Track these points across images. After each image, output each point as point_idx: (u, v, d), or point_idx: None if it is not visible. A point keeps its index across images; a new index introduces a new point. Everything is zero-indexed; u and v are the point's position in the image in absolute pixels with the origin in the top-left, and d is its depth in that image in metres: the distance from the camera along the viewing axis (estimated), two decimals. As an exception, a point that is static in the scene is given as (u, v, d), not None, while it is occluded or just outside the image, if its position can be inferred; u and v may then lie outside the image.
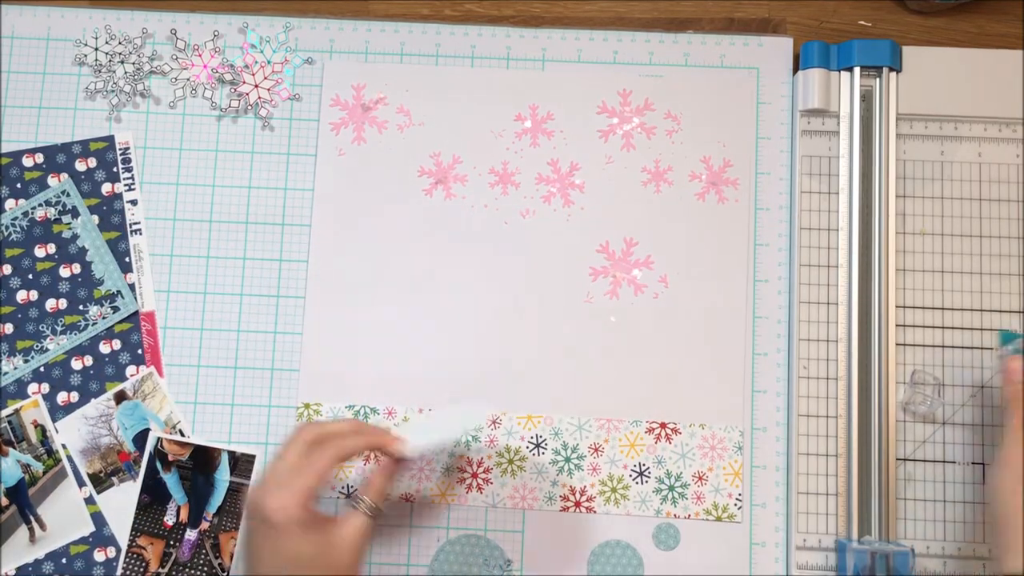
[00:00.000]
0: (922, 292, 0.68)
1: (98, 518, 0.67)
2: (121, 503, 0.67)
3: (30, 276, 0.69)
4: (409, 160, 0.71)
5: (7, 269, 0.69)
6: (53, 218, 0.70)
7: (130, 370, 0.68)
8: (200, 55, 0.72)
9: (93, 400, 0.68)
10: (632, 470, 0.67)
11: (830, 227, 0.69)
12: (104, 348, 0.68)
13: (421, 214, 0.70)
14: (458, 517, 0.67)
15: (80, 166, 0.70)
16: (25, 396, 0.68)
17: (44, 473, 0.67)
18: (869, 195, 0.69)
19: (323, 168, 0.71)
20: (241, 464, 0.67)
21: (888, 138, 0.69)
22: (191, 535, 0.67)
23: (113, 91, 0.71)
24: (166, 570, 0.66)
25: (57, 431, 0.68)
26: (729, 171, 0.71)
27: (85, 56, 0.72)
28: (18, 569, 0.66)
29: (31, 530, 0.66)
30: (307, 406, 0.68)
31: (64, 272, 0.69)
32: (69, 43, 0.72)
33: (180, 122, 0.71)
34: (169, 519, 0.67)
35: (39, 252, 0.69)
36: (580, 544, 0.67)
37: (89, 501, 0.67)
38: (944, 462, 0.67)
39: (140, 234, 0.70)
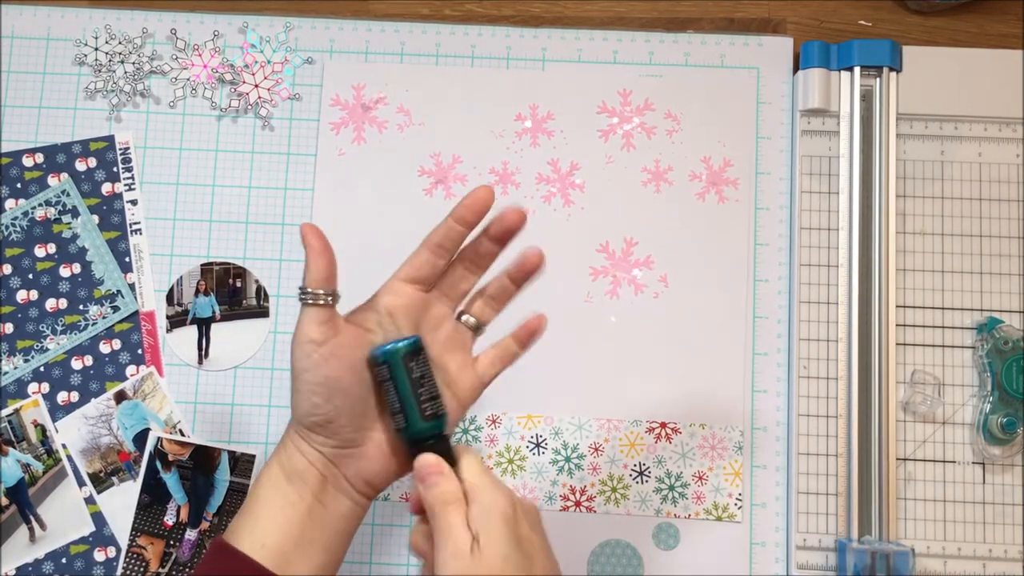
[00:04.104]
0: (922, 292, 0.68)
1: (98, 518, 0.67)
2: (121, 503, 0.67)
3: (30, 276, 0.69)
4: (409, 160, 0.71)
5: (7, 269, 0.69)
6: (53, 218, 0.70)
7: (130, 370, 0.68)
8: (200, 55, 0.72)
9: (93, 400, 0.68)
10: (632, 470, 0.67)
11: (830, 227, 0.69)
12: (104, 348, 0.68)
13: (421, 214, 0.70)
14: (458, 517, 0.67)
15: (80, 166, 0.70)
16: (25, 396, 0.68)
17: (44, 473, 0.67)
18: (869, 195, 0.69)
19: (323, 168, 0.71)
20: (241, 464, 0.67)
21: (888, 138, 0.69)
22: (191, 535, 0.67)
23: (113, 91, 0.71)
24: (166, 570, 0.66)
25: (57, 431, 0.68)
26: (729, 171, 0.71)
27: (85, 56, 0.72)
28: (18, 569, 0.66)
29: (31, 530, 0.66)
30: (307, 406, 0.68)
31: (64, 272, 0.69)
32: (69, 43, 0.72)
33: (180, 122, 0.72)
34: (169, 519, 0.67)
35: (39, 252, 0.69)
36: (580, 544, 0.67)
37: (89, 501, 0.67)
38: (944, 462, 0.67)
39: (140, 234, 0.70)
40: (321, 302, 0.46)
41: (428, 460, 0.46)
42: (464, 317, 0.51)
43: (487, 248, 0.50)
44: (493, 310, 0.51)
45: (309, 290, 0.46)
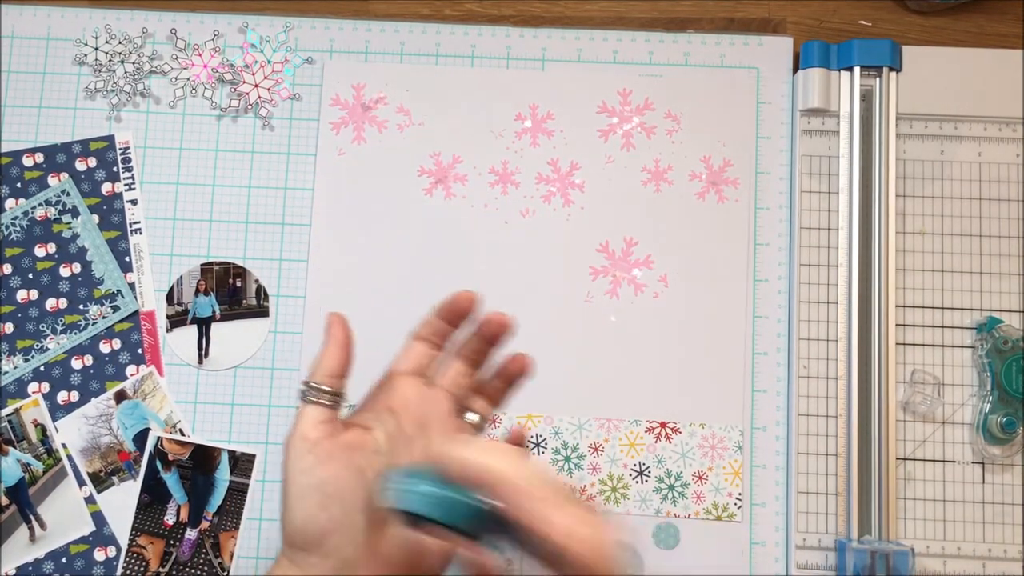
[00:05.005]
0: (922, 292, 0.68)
1: (98, 517, 0.67)
2: (121, 502, 0.67)
3: (30, 276, 0.69)
4: (409, 160, 0.71)
5: (7, 269, 0.69)
6: (53, 218, 0.70)
7: (130, 369, 0.68)
8: (200, 55, 0.72)
9: (93, 399, 0.68)
10: (632, 469, 0.67)
11: (830, 227, 0.69)
12: (104, 347, 0.69)
13: (421, 214, 0.70)
14: (458, 517, 0.67)
15: (80, 166, 0.70)
16: (25, 395, 0.68)
17: (44, 472, 0.67)
18: (869, 195, 0.69)
19: (323, 168, 0.71)
20: (241, 464, 0.67)
21: (888, 138, 0.69)
22: (191, 535, 0.67)
23: (113, 91, 0.71)
24: (166, 570, 0.66)
25: (57, 430, 0.68)
26: (729, 171, 0.71)
27: (85, 56, 0.72)
28: (18, 569, 0.66)
29: (31, 529, 0.66)
30: (307, 406, 0.68)
31: (64, 272, 0.69)
32: (69, 43, 0.72)
33: (180, 122, 0.72)
34: (169, 518, 0.67)
35: (39, 252, 0.69)
36: (580, 544, 0.67)
37: (89, 500, 0.67)
38: (944, 462, 0.67)
39: (140, 234, 0.70)
40: (326, 402, 0.43)
41: None
42: (468, 415, 0.48)
43: (479, 346, 0.48)
44: (492, 405, 0.50)
45: (314, 385, 0.43)
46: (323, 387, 0.43)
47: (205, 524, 0.67)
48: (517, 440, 0.49)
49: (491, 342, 0.48)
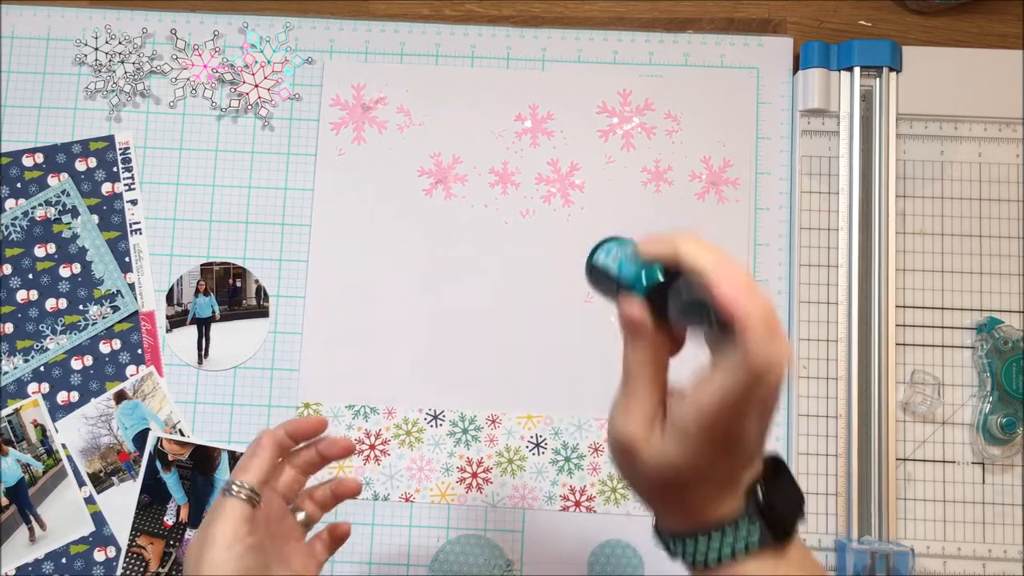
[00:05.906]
0: (922, 292, 0.68)
1: (98, 518, 0.67)
2: (121, 503, 0.67)
3: (30, 276, 0.69)
4: (409, 160, 0.71)
5: (7, 269, 0.69)
6: (53, 218, 0.70)
7: (130, 370, 0.68)
8: (200, 55, 0.72)
9: (93, 400, 0.68)
10: (632, 470, 0.67)
11: (830, 227, 0.69)
12: (104, 348, 0.69)
13: (421, 214, 0.70)
14: (458, 517, 0.67)
15: (80, 166, 0.70)
16: (25, 396, 0.68)
17: (44, 473, 0.67)
18: (869, 195, 0.69)
19: (323, 168, 0.71)
20: (241, 464, 0.67)
21: (888, 138, 0.69)
22: (191, 535, 0.67)
23: (113, 91, 0.71)
24: (166, 570, 0.66)
25: (57, 431, 0.68)
26: (729, 171, 0.71)
27: (85, 56, 0.72)
28: (18, 569, 0.66)
29: (31, 530, 0.66)
30: (307, 405, 0.68)
31: (64, 272, 0.69)
32: (69, 43, 0.72)
33: (180, 122, 0.72)
34: (169, 519, 0.67)
35: (39, 252, 0.69)
36: (580, 544, 0.67)
37: (89, 501, 0.67)
38: (944, 462, 0.67)
39: (140, 234, 0.70)
40: (244, 497, 0.48)
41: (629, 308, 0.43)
42: (299, 514, 0.54)
43: (316, 459, 0.54)
44: (321, 510, 0.55)
45: (246, 484, 0.49)
46: (253, 488, 0.49)
47: (205, 524, 0.67)
48: (339, 536, 0.55)
49: (328, 460, 0.54)
